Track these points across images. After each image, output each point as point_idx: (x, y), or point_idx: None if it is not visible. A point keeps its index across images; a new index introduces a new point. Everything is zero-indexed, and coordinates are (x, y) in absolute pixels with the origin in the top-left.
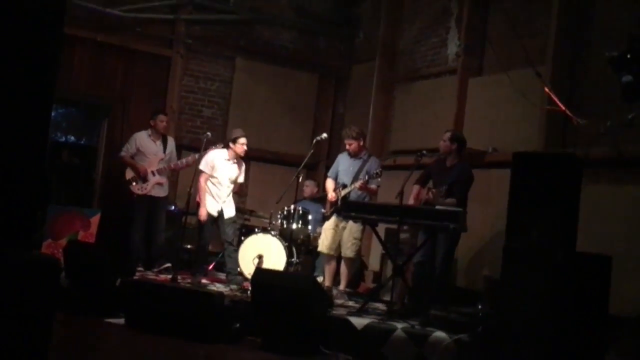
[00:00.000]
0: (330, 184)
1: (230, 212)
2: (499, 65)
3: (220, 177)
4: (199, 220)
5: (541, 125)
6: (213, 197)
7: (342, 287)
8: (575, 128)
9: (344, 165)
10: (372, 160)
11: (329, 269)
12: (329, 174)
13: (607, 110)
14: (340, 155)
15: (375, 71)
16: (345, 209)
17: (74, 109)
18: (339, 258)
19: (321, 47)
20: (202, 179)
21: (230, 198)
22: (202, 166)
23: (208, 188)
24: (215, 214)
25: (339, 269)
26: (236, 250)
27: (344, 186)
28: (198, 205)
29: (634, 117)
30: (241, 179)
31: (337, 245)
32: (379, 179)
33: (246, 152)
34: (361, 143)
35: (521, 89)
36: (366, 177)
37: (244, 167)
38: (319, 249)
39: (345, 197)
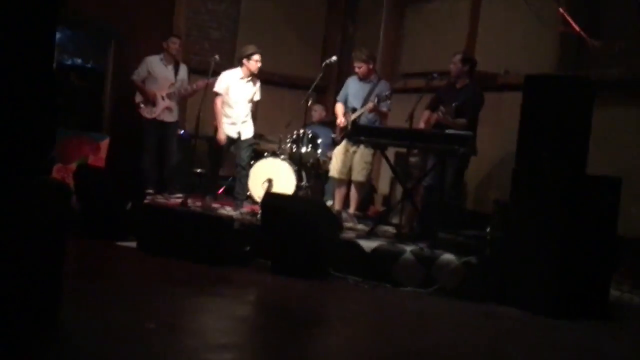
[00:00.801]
0: (339, 108)
1: (248, 133)
2: None
3: (236, 97)
4: (216, 143)
5: (555, 47)
6: (231, 118)
7: (351, 210)
8: (589, 50)
9: (353, 88)
10: (381, 83)
11: (339, 193)
12: (338, 97)
13: (622, 31)
14: (349, 79)
15: None
16: (355, 133)
17: (80, 31)
18: (349, 182)
19: None
20: (217, 102)
21: (250, 119)
22: (216, 88)
23: (224, 110)
24: (235, 135)
25: (349, 193)
26: (247, 176)
27: (354, 110)
28: (215, 129)
29: None
30: (257, 97)
31: (348, 170)
32: (389, 102)
33: (259, 69)
34: (371, 66)
35: (535, 10)
36: (376, 99)
37: (259, 84)
38: (330, 173)
39: (355, 121)
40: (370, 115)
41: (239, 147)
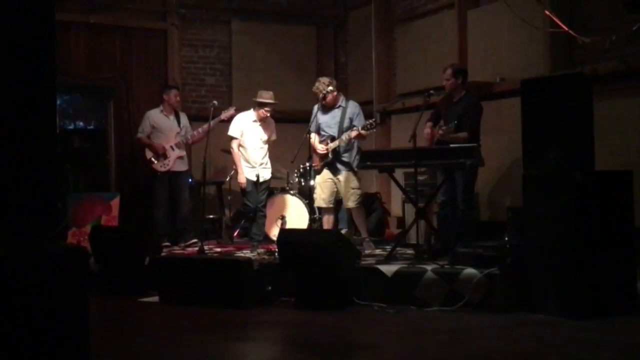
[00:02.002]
0: (314, 138)
1: (265, 175)
2: None
3: (250, 139)
4: (240, 187)
5: (546, 49)
6: (248, 162)
7: (364, 235)
8: (580, 46)
9: (323, 117)
10: (350, 104)
11: (328, 218)
12: (310, 128)
13: (611, 24)
14: (315, 108)
15: (372, 15)
16: (361, 159)
17: (78, 94)
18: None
19: None
20: (234, 145)
21: (267, 160)
22: (232, 132)
23: (241, 153)
24: (254, 178)
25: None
26: (264, 216)
27: (333, 138)
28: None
29: (639, 28)
30: (274, 137)
31: (334, 197)
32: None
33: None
34: (335, 93)
35: (521, 14)
36: (360, 127)
37: (273, 125)
38: (316, 204)
39: (335, 150)
40: (353, 140)
41: (257, 189)
